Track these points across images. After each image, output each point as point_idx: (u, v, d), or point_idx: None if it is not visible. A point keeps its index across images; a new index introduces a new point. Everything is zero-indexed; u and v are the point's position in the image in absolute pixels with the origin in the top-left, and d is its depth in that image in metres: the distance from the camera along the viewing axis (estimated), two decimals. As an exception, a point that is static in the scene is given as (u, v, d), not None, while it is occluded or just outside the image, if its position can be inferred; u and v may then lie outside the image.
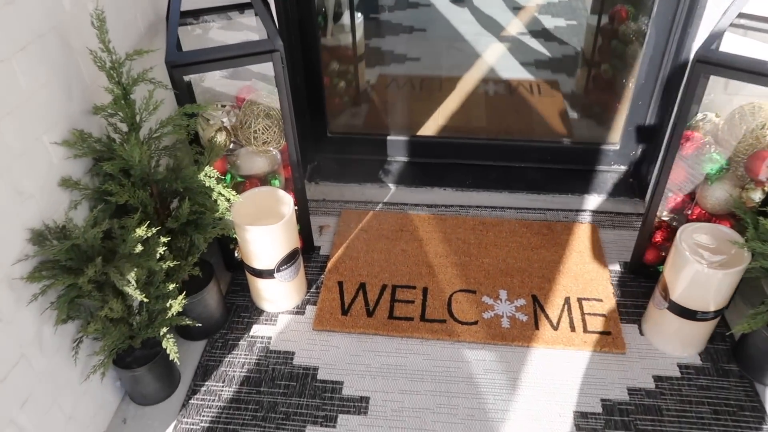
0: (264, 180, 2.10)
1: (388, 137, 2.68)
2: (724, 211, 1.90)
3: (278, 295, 2.05)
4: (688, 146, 1.88)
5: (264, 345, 1.97)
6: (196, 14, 1.93)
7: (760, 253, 1.65)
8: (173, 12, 1.75)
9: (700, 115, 1.93)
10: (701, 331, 1.85)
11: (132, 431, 1.76)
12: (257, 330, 2.02)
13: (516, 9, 4.00)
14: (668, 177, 1.88)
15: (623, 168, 2.58)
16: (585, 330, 1.97)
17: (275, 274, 1.95)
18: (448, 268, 2.21)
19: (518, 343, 1.94)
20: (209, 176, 1.69)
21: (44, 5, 1.41)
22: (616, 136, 2.54)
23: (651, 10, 2.15)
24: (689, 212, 1.98)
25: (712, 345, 1.92)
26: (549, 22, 3.82)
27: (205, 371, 1.90)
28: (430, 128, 2.90)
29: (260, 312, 2.09)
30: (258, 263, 1.94)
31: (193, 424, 1.76)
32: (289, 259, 1.96)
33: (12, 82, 1.31)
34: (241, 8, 1.98)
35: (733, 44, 1.78)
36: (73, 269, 1.43)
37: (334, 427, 1.73)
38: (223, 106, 2.02)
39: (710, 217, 1.93)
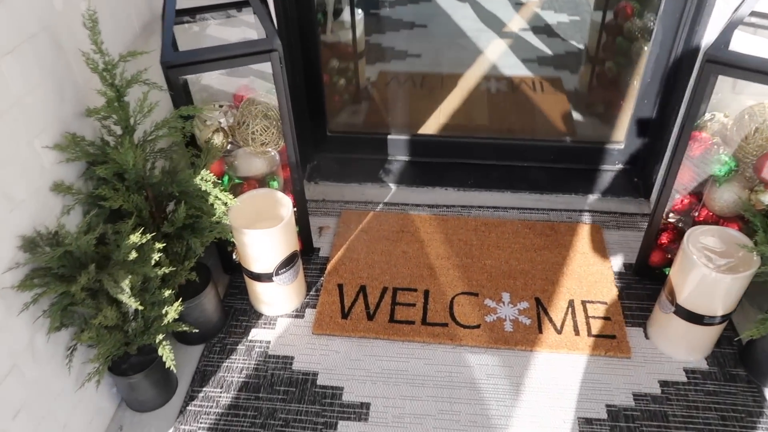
0: (262, 181, 2.07)
1: (389, 136, 2.64)
2: (733, 214, 1.86)
3: (277, 299, 2.01)
4: (696, 147, 1.84)
5: (263, 349, 1.94)
6: (193, 12, 1.89)
7: (770, 257, 1.61)
8: (169, 11, 1.71)
9: (708, 115, 1.89)
10: (708, 335, 1.82)
11: (129, 438, 1.73)
12: (256, 334, 1.99)
13: (518, 5, 3.95)
14: (675, 179, 1.84)
15: (628, 167, 2.54)
16: (589, 334, 1.93)
17: (274, 278, 1.92)
18: (449, 270, 2.17)
19: (521, 347, 1.91)
20: (206, 180, 1.65)
21: (35, 5, 1.37)
22: (621, 135, 2.50)
23: (658, 7, 2.11)
24: (696, 214, 1.94)
25: (718, 349, 1.89)
26: (552, 18, 3.78)
27: (202, 377, 1.87)
28: (431, 127, 2.86)
29: (259, 315, 2.06)
30: (256, 266, 1.90)
31: (190, 431, 1.73)
32: (288, 262, 1.93)
33: (1, 85, 1.27)
34: (238, 6, 1.94)
35: (741, 43, 1.74)
36: (66, 277, 1.39)
37: (334, 434, 1.71)
38: (221, 106, 1.99)
39: (718, 219, 1.89)
